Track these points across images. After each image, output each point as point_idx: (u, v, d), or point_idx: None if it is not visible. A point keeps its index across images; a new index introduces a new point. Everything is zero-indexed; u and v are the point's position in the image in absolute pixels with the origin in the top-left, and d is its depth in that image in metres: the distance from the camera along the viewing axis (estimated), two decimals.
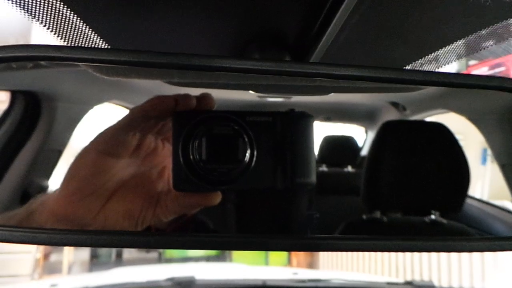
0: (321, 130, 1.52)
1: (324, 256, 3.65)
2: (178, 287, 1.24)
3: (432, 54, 0.46)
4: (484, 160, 2.40)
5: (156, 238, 0.30)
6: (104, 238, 0.30)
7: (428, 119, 0.95)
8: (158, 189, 0.36)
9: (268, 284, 1.25)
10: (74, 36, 0.45)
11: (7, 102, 0.81)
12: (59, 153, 0.88)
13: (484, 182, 2.43)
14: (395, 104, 0.95)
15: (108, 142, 0.35)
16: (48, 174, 0.86)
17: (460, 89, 0.61)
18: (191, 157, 0.32)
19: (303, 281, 1.35)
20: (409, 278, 1.92)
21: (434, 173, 0.57)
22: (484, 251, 0.35)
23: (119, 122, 0.36)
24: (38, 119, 0.80)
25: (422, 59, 0.48)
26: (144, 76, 0.40)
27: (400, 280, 1.80)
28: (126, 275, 1.53)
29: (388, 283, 1.40)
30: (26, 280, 2.81)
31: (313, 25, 0.35)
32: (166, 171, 0.37)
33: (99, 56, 0.27)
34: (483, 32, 0.39)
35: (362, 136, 1.66)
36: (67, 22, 0.42)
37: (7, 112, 0.82)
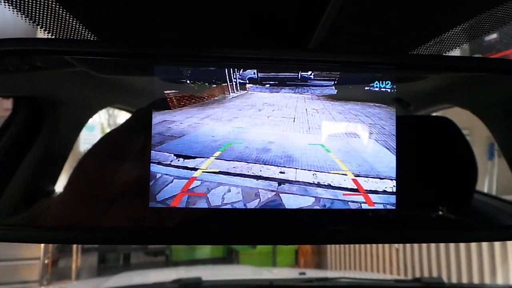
0: None
1: (331, 256, 3.62)
2: None
3: (434, 40, 0.45)
4: (491, 155, 2.37)
5: (157, 233, 0.30)
6: (103, 235, 0.29)
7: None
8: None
9: (275, 284, 1.24)
10: (65, 31, 0.45)
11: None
12: (64, 157, 0.89)
13: (491, 177, 2.41)
14: (399, 100, 0.94)
15: (112, 145, 0.35)
16: (53, 179, 0.87)
17: (464, 81, 0.59)
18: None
19: (311, 280, 1.34)
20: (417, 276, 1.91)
21: (441, 169, 0.56)
22: (488, 241, 0.35)
23: (122, 125, 0.35)
24: (42, 124, 0.81)
25: (424, 46, 0.47)
26: (140, 72, 0.39)
27: (409, 278, 1.78)
28: (134, 278, 1.53)
29: (396, 281, 1.39)
30: (35, 286, 2.82)
31: (310, 10, 0.35)
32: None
33: (90, 49, 0.27)
34: (484, 15, 0.39)
35: None
36: (56, 16, 0.42)
37: (11, 118, 0.82)
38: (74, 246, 3.43)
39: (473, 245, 2.35)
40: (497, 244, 2.22)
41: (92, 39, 0.47)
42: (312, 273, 1.61)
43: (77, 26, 0.45)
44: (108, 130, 0.40)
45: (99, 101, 0.81)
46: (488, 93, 0.67)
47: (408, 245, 2.77)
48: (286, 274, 1.82)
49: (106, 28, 0.44)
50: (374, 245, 3.06)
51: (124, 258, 4.21)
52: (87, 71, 0.48)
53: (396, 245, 2.86)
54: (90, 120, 0.87)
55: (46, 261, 3.00)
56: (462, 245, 2.41)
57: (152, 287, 1.32)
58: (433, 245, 2.61)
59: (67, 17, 0.43)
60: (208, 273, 1.64)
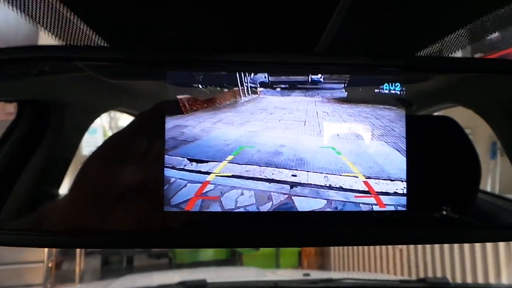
0: None
1: (335, 258, 3.62)
2: None
3: (438, 42, 0.45)
4: (493, 154, 2.38)
5: (171, 237, 0.30)
6: (115, 238, 0.30)
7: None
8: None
9: (280, 286, 1.25)
10: (74, 36, 0.46)
11: (15, 113, 0.81)
12: (68, 160, 0.89)
13: (494, 176, 2.40)
14: (401, 100, 0.93)
15: (115, 148, 0.35)
16: (58, 182, 0.87)
17: (467, 80, 0.60)
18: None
19: (315, 281, 1.34)
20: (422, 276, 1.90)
21: (448, 169, 0.56)
22: (494, 241, 0.35)
23: (125, 128, 0.36)
24: (46, 128, 0.81)
25: (427, 48, 0.47)
26: (150, 78, 0.40)
27: (413, 278, 1.78)
28: (138, 281, 1.54)
29: (401, 281, 1.39)
30: None
31: (317, 14, 0.35)
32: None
33: (105, 55, 0.27)
34: (488, 17, 0.39)
35: None
36: (66, 21, 0.42)
37: (15, 122, 0.83)
38: (78, 249, 3.43)
39: (478, 245, 2.34)
40: (501, 245, 2.21)
41: (94, 37, 0.47)
42: (316, 275, 1.61)
43: (77, 22, 0.45)
44: (112, 133, 0.41)
45: (105, 105, 0.81)
46: (491, 93, 0.67)
47: (411, 246, 2.77)
48: (290, 276, 1.82)
49: (106, 27, 0.44)
50: (377, 246, 3.06)
51: (127, 260, 4.21)
52: (95, 76, 0.49)
53: (399, 245, 2.86)
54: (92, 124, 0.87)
55: (49, 265, 3.01)
56: (466, 246, 2.41)
57: None
58: (437, 246, 2.61)
59: (74, 19, 0.43)
60: (212, 275, 1.64)
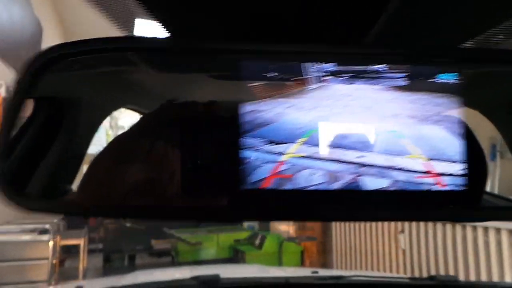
0: None
1: (337, 256, 3.65)
2: (203, 285, 1.26)
3: (481, 36, 0.47)
4: (493, 156, 2.40)
5: (252, 212, 0.33)
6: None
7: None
8: (168, 193, 0.38)
9: (291, 282, 1.27)
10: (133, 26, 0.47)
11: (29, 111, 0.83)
12: (80, 158, 0.91)
13: (494, 178, 2.43)
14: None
15: (121, 149, 0.38)
16: (70, 178, 0.89)
17: (476, 81, 0.62)
18: (198, 161, 0.35)
19: (324, 278, 1.36)
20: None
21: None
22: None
23: (131, 129, 0.38)
24: (61, 125, 0.82)
25: (473, 41, 0.50)
26: (207, 70, 0.42)
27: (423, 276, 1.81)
28: (147, 277, 1.55)
29: (411, 279, 1.42)
30: (43, 286, 2.83)
31: (368, 8, 0.37)
32: (176, 176, 0.38)
33: (168, 45, 0.29)
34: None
35: None
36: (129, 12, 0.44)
37: (30, 120, 0.84)
38: (82, 246, 3.45)
39: (481, 245, 2.38)
40: (505, 245, 2.24)
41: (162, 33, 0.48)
42: (323, 273, 1.63)
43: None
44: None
45: (115, 102, 0.83)
46: (499, 91, 0.69)
47: (415, 245, 2.80)
48: (298, 273, 1.84)
49: (177, 23, 0.45)
50: (380, 246, 3.10)
51: (129, 258, 4.23)
52: (150, 68, 0.50)
53: (402, 245, 2.89)
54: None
55: (54, 262, 3.02)
56: (469, 245, 2.44)
57: (170, 283, 1.34)
58: (440, 247, 2.64)
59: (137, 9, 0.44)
60: (221, 271, 1.65)
